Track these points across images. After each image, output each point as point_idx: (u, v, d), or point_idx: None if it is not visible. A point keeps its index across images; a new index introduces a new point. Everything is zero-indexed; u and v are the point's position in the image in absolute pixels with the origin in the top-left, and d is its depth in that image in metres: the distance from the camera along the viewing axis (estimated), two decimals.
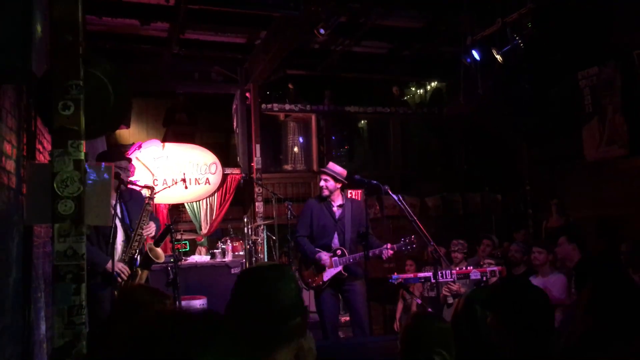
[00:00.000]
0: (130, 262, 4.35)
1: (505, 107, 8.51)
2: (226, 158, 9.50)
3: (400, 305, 7.31)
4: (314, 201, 5.58)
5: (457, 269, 5.32)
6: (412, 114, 10.43)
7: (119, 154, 4.72)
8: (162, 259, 4.66)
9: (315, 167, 9.50)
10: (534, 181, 9.28)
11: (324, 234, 5.35)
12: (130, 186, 4.64)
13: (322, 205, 5.44)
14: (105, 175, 3.03)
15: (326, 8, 6.28)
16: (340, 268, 5.20)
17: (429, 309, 5.35)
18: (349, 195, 7.86)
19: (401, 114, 10.23)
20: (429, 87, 11.41)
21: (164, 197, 7.65)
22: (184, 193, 7.91)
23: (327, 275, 5.23)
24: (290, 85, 9.72)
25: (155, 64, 8.59)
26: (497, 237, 7.41)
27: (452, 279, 5.20)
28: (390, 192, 4.89)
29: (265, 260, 8.28)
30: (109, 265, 4.12)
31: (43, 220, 2.99)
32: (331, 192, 5.41)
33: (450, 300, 5.81)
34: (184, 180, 7.36)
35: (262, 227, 8.29)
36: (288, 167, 9.74)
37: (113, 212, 4.18)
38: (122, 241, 4.43)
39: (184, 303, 5.65)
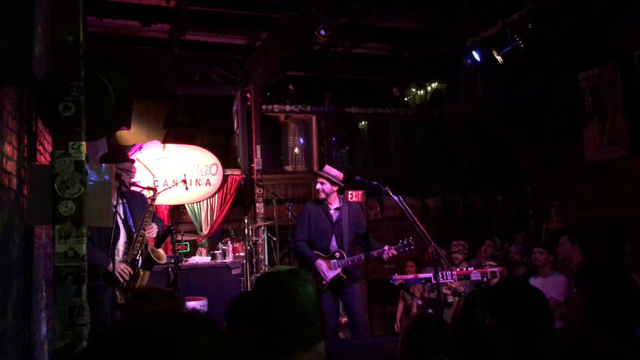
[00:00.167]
0: (132, 263, 4.35)
1: (506, 108, 8.52)
2: (227, 159, 9.51)
3: (400, 306, 7.31)
4: (311, 205, 5.59)
5: (458, 269, 5.31)
6: (413, 115, 10.43)
7: (122, 155, 4.72)
8: (164, 260, 4.66)
9: (315, 168, 9.50)
10: (535, 182, 9.28)
11: (322, 237, 5.36)
12: (132, 187, 4.64)
13: (320, 209, 5.44)
14: (106, 177, 3.04)
15: (327, 9, 6.28)
16: (339, 270, 5.21)
17: (430, 310, 5.35)
18: (350, 197, 7.85)
19: (401, 115, 10.23)
20: (429, 88, 11.42)
21: (165, 198, 7.64)
22: (185, 194, 7.91)
23: (327, 278, 5.23)
24: (290, 87, 9.73)
25: (156, 65, 8.59)
26: (498, 238, 7.41)
27: (452, 280, 5.20)
28: (391, 193, 4.89)
29: (266, 261, 8.29)
30: (111, 266, 4.12)
31: (44, 221, 2.99)
32: (328, 195, 5.42)
33: (450, 299, 5.81)
34: (184, 181, 7.35)
35: (262, 228, 8.29)
36: (288, 168, 9.74)
37: (114, 213, 4.18)
38: (125, 242, 4.44)
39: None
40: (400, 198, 4.87)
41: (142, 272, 4.39)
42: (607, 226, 7.52)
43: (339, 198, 5.54)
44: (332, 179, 5.38)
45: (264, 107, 9.19)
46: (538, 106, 8.47)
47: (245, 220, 7.76)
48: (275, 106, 9.42)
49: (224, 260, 7.34)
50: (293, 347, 1.58)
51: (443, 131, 10.49)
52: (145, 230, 4.41)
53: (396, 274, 5.25)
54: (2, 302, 2.84)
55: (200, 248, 8.36)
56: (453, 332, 2.18)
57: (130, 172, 4.53)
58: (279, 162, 9.88)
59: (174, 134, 9.51)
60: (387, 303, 8.28)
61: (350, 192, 8.03)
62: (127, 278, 4.26)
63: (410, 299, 6.91)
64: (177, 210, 8.69)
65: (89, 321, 3.94)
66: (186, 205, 8.47)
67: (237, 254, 7.51)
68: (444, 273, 5.05)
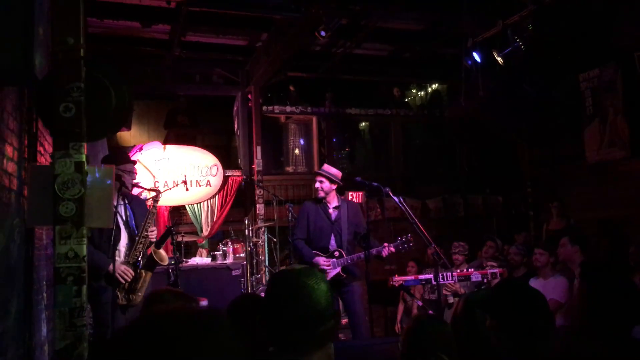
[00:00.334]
0: (134, 264, 4.35)
1: (506, 108, 8.51)
2: (227, 160, 9.51)
3: (401, 307, 7.30)
4: (310, 204, 5.58)
5: (458, 271, 5.31)
6: (413, 116, 10.44)
7: (124, 156, 4.73)
8: (166, 262, 4.66)
9: (316, 169, 9.49)
10: (535, 183, 9.28)
11: (321, 236, 5.34)
12: (135, 189, 4.65)
13: (318, 208, 5.44)
14: (107, 178, 3.04)
15: (327, 10, 6.29)
16: (338, 269, 5.20)
17: (430, 311, 5.35)
18: (350, 198, 7.87)
19: (402, 115, 10.23)
20: (429, 89, 11.43)
21: (165, 199, 7.63)
22: (185, 195, 7.91)
23: (326, 277, 5.23)
24: (291, 88, 9.74)
25: (157, 66, 8.60)
26: (499, 239, 7.41)
27: (453, 281, 5.19)
28: (392, 194, 4.89)
29: (266, 262, 8.29)
30: (111, 267, 4.12)
31: (44, 222, 2.99)
32: (326, 194, 5.40)
33: (450, 300, 5.80)
34: (185, 182, 7.36)
35: (263, 229, 8.29)
36: (289, 169, 9.75)
37: (115, 214, 4.18)
38: (127, 243, 4.43)
39: None
40: (401, 199, 4.87)
41: (144, 273, 4.39)
42: (608, 227, 7.52)
43: (338, 197, 5.53)
44: (330, 177, 5.38)
45: (264, 108, 9.20)
46: (538, 107, 8.46)
47: (246, 221, 7.76)
48: (276, 107, 9.43)
49: (225, 261, 7.34)
50: (309, 345, 1.58)
51: (443, 132, 10.49)
52: (147, 232, 4.41)
53: (397, 275, 5.25)
54: (3, 303, 2.84)
55: (200, 249, 8.36)
56: (453, 332, 2.18)
57: (132, 173, 4.53)
58: (280, 163, 9.89)
59: (174, 134, 9.51)
60: (388, 304, 8.28)
61: (350, 193, 8.06)
62: (128, 279, 4.26)
63: (410, 300, 6.91)
64: (178, 211, 8.69)
65: (90, 322, 3.95)
66: (187, 206, 8.47)
67: (237, 255, 7.51)
68: (445, 274, 5.05)
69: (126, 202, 4.52)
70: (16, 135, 3.18)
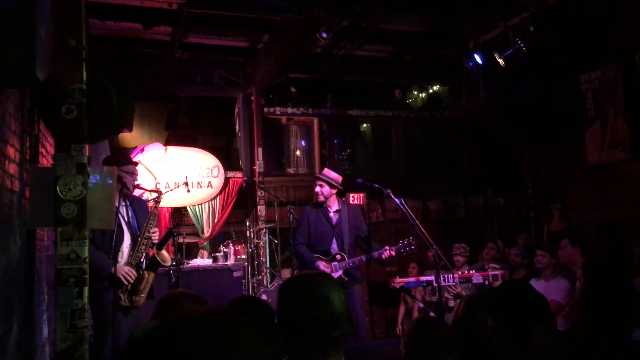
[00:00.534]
0: (136, 265, 4.35)
1: (507, 110, 8.51)
2: (228, 161, 9.51)
3: (402, 309, 7.30)
4: (310, 208, 5.59)
5: (459, 272, 5.31)
6: (414, 117, 10.43)
7: (126, 158, 4.73)
8: (169, 262, 4.66)
9: (317, 171, 9.49)
10: (537, 184, 9.28)
11: (322, 240, 5.35)
12: (137, 190, 4.65)
13: (319, 212, 5.44)
14: (108, 179, 3.04)
15: (328, 12, 6.29)
16: (340, 272, 5.20)
17: (431, 313, 5.35)
18: (351, 200, 7.85)
19: (403, 117, 10.23)
20: (430, 91, 11.43)
21: (166, 201, 7.64)
22: (186, 196, 7.92)
23: None
24: (292, 89, 9.74)
25: (158, 68, 8.61)
26: (501, 241, 7.40)
27: (454, 283, 5.19)
28: (392, 196, 4.90)
29: (267, 264, 8.29)
30: (114, 269, 4.12)
31: (46, 223, 2.99)
32: (326, 198, 5.42)
33: (451, 303, 5.80)
34: (186, 183, 7.37)
35: (264, 231, 8.29)
36: (290, 170, 9.74)
37: (117, 215, 4.18)
38: (129, 244, 4.43)
39: None
40: (402, 200, 4.87)
41: (146, 274, 4.38)
42: (609, 228, 7.52)
43: (338, 200, 5.53)
44: (330, 181, 5.38)
45: (265, 109, 9.20)
46: (539, 108, 8.46)
47: (247, 223, 7.76)
48: (277, 108, 9.43)
49: (226, 263, 7.34)
50: (326, 349, 1.59)
51: (444, 133, 10.49)
52: (150, 233, 4.41)
53: (398, 277, 5.25)
54: (4, 304, 2.84)
55: (201, 250, 8.36)
56: (455, 334, 2.18)
57: (134, 174, 4.54)
58: (281, 165, 9.88)
59: (175, 136, 9.51)
60: (389, 306, 8.28)
61: (351, 194, 8.02)
62: (131, 280, 4.26)
63: (411, 302, 6.91)
64: (179, 213, 8.69)
65: (90, 324, 3.95)
66: (188, 208, 8.47)
67: (238, 257, 7.51)
68: (446, 276, 5.05)
69: (127, 203, 4.52)
70: (18, 136, 3.19)
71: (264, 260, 8.25)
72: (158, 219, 7.81)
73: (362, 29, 7.63)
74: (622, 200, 7.29)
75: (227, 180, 8.55)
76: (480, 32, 6.84)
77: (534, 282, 5.32)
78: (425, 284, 5.49)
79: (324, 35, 6.50)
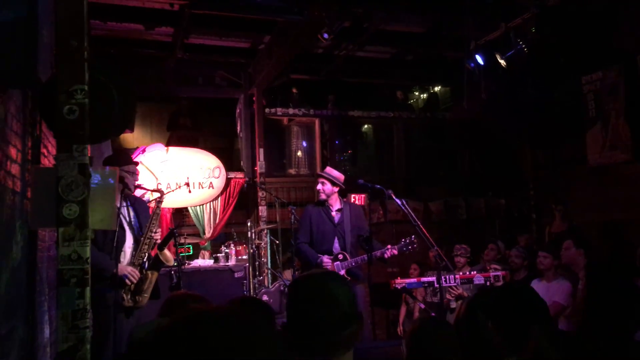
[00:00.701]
0: (140, 265, 4.35)
1: (509, 111, 8.51)
2: (230, 162, 9.52)
3: (403, 310, 7.30)
4: (312, 207, 5.56)
5: (461, 273, 5.31)
6: (416, 119, 10.43)
7: (126, 158, 4.73)
8: (172, 262, 4.66)
9: (318, 172, 9.49)
10: (538, 185, 9.27)
11: (324, 239, 5.33)
12: (138, 190, 4.65)
13: (321, 211, 5.41)
14: (110, 180, 3.04)
15: (329, 13, 6.29)
16: (342, 272, 5.19)
17: (432, 314, 5.34)
18: (352, 200, 7.86)
19: (405, 118, 10.23)
20: (432, 92, 11.43)
21: (168, 201, 7.63)
22: (188, 197, 7.92)
23: None
24: (294, 90, 9.75)
25: (160, 69, 8.62)
26: (502, 242, 7.39)
27: (455, 284, 5.19)
28: (394, 197, 4.89)
29: (269, 264, 8.29)
30: (116, 269, 4.12)
31: (47, 224, 3.00)
32: (328, 196, 5.39)
33: (453, 304, 5.80)
34: (187, 184, 7.37)
35: (265, 231, 8.30)
36: (291, 171, 9.75)
37: (119, 215, 4.18)
38: (132, 245, 4.43)
39: None
40: (403, 201, 4.87)
41: (150, 274, 4.38)
42: (609, 229, 7.51)
43: (340, 200, 5.51)
44: (332, 179, 5.36)
45: (267, 110, 9.21)
46: (540, 109, 8.46)
47: (248, 224, 7.76)
48: (279, 109, 9.44)
49: (227, 263, 7.35)
50: (337, 348, 1.59)
51: (446, 134, 10.49)
52: (152, 232, 4.41)
53: (399, 278, 5.24)
54: (6, 304, 2.85)
55: (203, 251, 8.36)
56: (457, 335, 2.18)
57: (134, 174, 4.54)
58: (282, 166, 9.89)
59: (177, 137, 9.52)
60: (390, 306, 8.28)
61: (353, 195, 8.05)
62: (135, 281, 4.26)
63: (412, 303, 6.91)
64: (180, 213, 8.69)
65: (91, 323, 3.95)
66: (189, 208, 8.48)
67: (239, 257, 7.52)
68: (447, 277, 5.05)
69: (128, 203, 4.52)
70: (20, 137, 3.19)
71: (265, 261, 8.26)
72: (160, 219, 7.84)
73: (364, 30, 7.62)
74: (623, 201, 7.29)
75: (228, 180, 8.55)
76: (482, 33, 6.84)
77: (535, 283, 5.30)
78: (426, 285, 5.49)
79: (325, 36, 6.51)
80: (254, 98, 8.96)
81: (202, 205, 8.43)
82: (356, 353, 1.67)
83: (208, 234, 8.48)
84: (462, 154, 10.52)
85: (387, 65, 9.32)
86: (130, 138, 9.77)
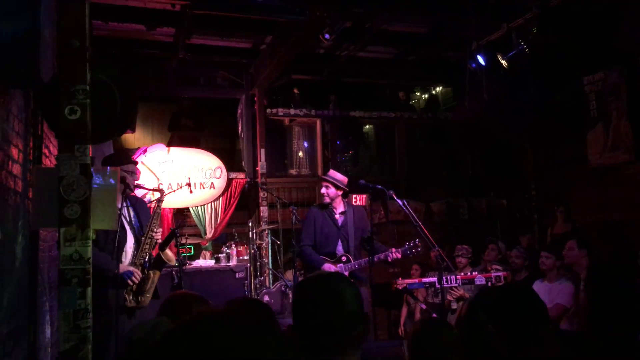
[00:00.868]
0: (141, 265, 4.35)
1: (511, 112, 8.50)
2: (231, 162, 9.52)
3: (404, 310, 7.29)
4: (316, 209, 5.54)
5: (462, 274, 5.30)
6: (417, 119, 10.43)
7: (125, 157, 4.72)
8: (174, 262, 4.66)
9: (320, 172, 9.50)
10: (540, 186, 9.26)
11: (328, 241, 5.30)
12: (139, 190, 4.65)
13: (325, 213, 5.39)
14: (112, 180, 3.05)
15: (331, 13, 6.29)
16: (346, 274, 5.17)
17: (434, 314, 5.34)
18: (354, 201, 7.87)
19: (406, 118, 10.22)
20: (434, 92, 11.43)
21: (169, 202, 7.65)
22: (189, 197, 7.93)
23: None
24: (295, 90, 9.75)
25: (161, 69, 8.63)
26: (503, 242, 7.39)
27: (456, 284, 5.18)
28: (395, 197, 4.88)
29: (270, 265, 8.29)
30: (117, 270, 4.11)
31: (49, 224, 3.00)
32: (332, 200, 5.38)
33: (454, 305, 5.79)
34: (188, 184, 7.36)
35: (266, 232, 8.30)
36: (293, 171, 9.75)
37: (120, 216, 4.17)
38: (133, 244, 4.43)
39: None
40: (405, 202, 4.87)
41: (152, 274, 4.38)
42: (611, 230, 7.51)
43: (344, 202, 5.50)
44: (336, 183, 5.35)
45: (268, 110, 9.21)
46: (542, 110, 8.46)
47: (250, 224, 7.76)
48: (280, 110, 9.44)
49: (228, 264, 7.35)
50: (344, 349, 1.59)
51: (447, 135, 10.48)
52: (153, 232, 4.41)
53: (400, 278, 5.24)
54: (8, 304, 2.85)
55: (204, 251, 8.37)
56: (459, 335, 2.18)
57: (134, 174, 4.53)
58: (283, 166, 9.89)
59: (178, 137, 9.53)
60: (391, 307, 8.27)
61: (354, 195, 8.06)
62: (136, 281, 4.26)
63: (414, 303, 6.90)
64: (181, 214, 8.70)
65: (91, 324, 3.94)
66: (190, 209, 8.48)
67: (241, 258, 7.52)
68: (448, 277, 5.04)
69: (129, 203, 4.51)
70: (22, 137, 3.19)
71: (266, 261, 8.26)
72: (161, 220, 7.84)
73: (365, 30, 7.63)
74: (624, 202, 7.28)
75: (229, 181, 8.56)
76: (483, 33, 6.84)
77: (537, 284, 5.30)
78: (427, 286, 5.48)
79: (327, 36, 6.51)
80: (255, 98, 8.97)
81: (204, 205, 8.43)
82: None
83: (209, 234, 8.49)
84: (463, 155, 10.51)
85: (388, 65, 9.32)
86: (131, 138, 9.79)
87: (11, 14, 2.76)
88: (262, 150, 8.77)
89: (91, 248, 2.78)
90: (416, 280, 5.43)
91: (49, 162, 3.89)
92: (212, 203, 8.46)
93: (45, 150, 3.82)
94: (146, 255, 4.39)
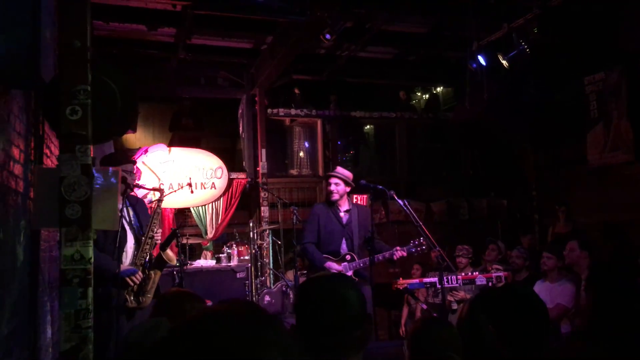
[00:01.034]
0: (142, 265, 4.34)
1: (511, 112, 8.51)
2: (232, 163, 9.53)
3: (405, 311, 7.29)
4: (320, 207, 5.47)
5: (463, 274, 5.30)
6: (418, 119, 10.43)
7: (124, 157, 4.71)
8: (174, 262, 4.65)
9: (320, 172, 9.50)
10: (540, 186, 9.26)
11: (332, 240, 5.25)
12: (139, 189, 4.64)
13: (329, 211, 5.33)
14: (113, 180, 3.05)
15: (332, 14, 6.29)
16: (350, 273, 5.15)
17: (434, 314, 5.34)
18: (354, 200, 7.86)
19: (407, 118, 10.23)
20: (434, 92, 11.43)
21: (170, 202, 7.67)
22: (190, 197, 7.93)
23: None
24: (296, 90, 9.75)
25: (162, 69, 8.63)
26: (503, 242, 7.39)
27: (457, 284, 5.18)
28: (396, 197, 4.88)
29: (271, 265, 8.30)
30: (119, 270, 4.11)
31: (50, 224, 3.01)
32: (341, 197, 5.34)
33: (454, 306, 5.79)
34: (189, 184, 7.39)
35: (267, 232, 8.30)
36: (294, 171, 9.75)
37: (120, 216, 4.17)
38: (133, 245, 4.43)
39: None
40: (405, 202, 4.86)
41: (153, 274, 4.38)
42: (612, 230, 7.50)
43: (349, 200, 5.46)
44: (346, 179, 5.32)
45: (269, 110, 9.22)
46: (543, 110, 8.46)
47: (250, 224, 7.77)
48: (281, 110, 9.44)
49: (229, 264, 7.36)
50: (347, 350, 1.59)
51: (448, 135, 10.48)
52: (154, 232, 4.41)
53: (401, 278, 5.23)
54: (9, 304, 2.85)
55: (205, 251, 8.37)
56: (459, 335, 2.18)
57: (133, 173, 4.52)
58: (284, 166, 9.90)
59: (179, 137, 9.54)
60: (392, 307, 8.28)
61: (355, 196, 8.05)
62: (137, 282, 4.25)
63: (414, 303, 6.90)
64: (182, 214, 8.71)
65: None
66: (191, 209, 8.49)
67: (242, 258, 7.52)
68: (449, 277, 5.04)
69: (128, 203, 4.51)
70: (23, 137, 3.20)
71: (267, 261, 8.26)
72: (162, 220, 7.85)
73: (366, 31, 7.63)
74: (625, 202, 7.28)
75: (230, 181, 8.56)
76: (484, 34, 6.84)
77: (539, 284, 5.29)
78: (428, 286, 5.48)
79: (328, 36, 6.52)
80: (256, 98, 8.97)
81: (205, 205, 8.44)
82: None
83: (210, 235, 8.49)
84: (464, 155, 10.51)
85: (389, 65, 9.33)
86: (132, 138, 9.80)
87: (12, 14, 2.77)
88: (263, 151, 8.78)
89: (92, 248, 2.78)
90: (417, 281, 5.43)
91: (50, 162, 3.89)
92: (213, 203, 8.47)
93: (47, 151, 3.83)
94: (146, 255, 4.38)
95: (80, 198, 2.75)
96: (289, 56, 7.44)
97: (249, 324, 0.87)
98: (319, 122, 9.71)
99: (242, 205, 8.92)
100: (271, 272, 8.16)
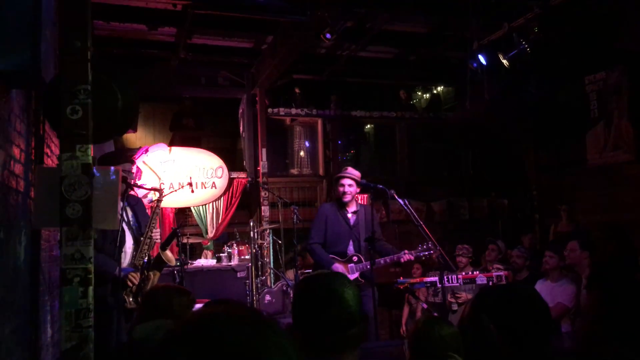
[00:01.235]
0: (140, 266, 4.34)
1: (512, 111, 8.50)
2: (232, 162, 9.53)
3: (406, 310, 7.29)
4: (328, 207, 5.43)
5: (463, 273, 5.30)
6: (419, 119, 10.43)
7: (122, 156, 4.70)
8: (173, 262, 4.65)
9: (321, 172, 9.51)
10: (541, 186, 9.26)
11: (339, 240, 5.21)
12: (138, 189, 4.63)
13: (338, 212, 5.28)
14: (113, 179, 3.05)
15: (332, 13, 6.29)
16: (357, 274, 5.12)
17: (435, 314, 5.34)
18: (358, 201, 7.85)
19: (407, 118, 10.22)
20: (435, 92, 11.42)
21: (171, 201, 7.67)
22: (191, 197, 7.93)
23: None
24: (296, 90, 9.75)
25: (163, 69, 8.63)
26: (504, 242, 7.39)
27: (458, 284, 5.17)
28: (397, 197, 4.86)
29: (271, 264, 8.30)
30: (118, 270, 4.11)
31: (51, 223, 3.00)
32: (353, 197, 5.31)
33: (455, 307, 5.79)
34: (190, 184, 7.38)
35: (268, 231, 8.30)
36: (294, 171, 9.76)
37: (120, 216, 4.17)
38: (132, 245, 4.43)
39: None
40: (406, 201, 4.85)
41: (152, 275, 4.38)
42: (613, 230, 7.49)
43: (357, 201, 5.44)
44: (357, 180, 5.31)
45: (269, 110, 9.22)
46: (544, 109, 8.46)
47: (251, 223, 7.77)
48: (281, 109, 9.44)
49: (230, 263, 7.35)
50: (341, 348, 1.60)
51: (449, 135, 10.48)
52: (152, 232, 4.41)
53: (402, 278, 5.22)
54: (9, 304, 2.85)
55: (205, 251, 8.38)
56: (462, 335, 2.18)
57: (131, 173, 4.51)
58: (285, 165, 9.90)
59: (180, 137, 9.54)
60: (392, 307, 8.27)
61: (355, 195, 8.04)
62: (136, 282, 4.25)
63: (415, 303, 6.90)
64: (183, 213, 8.71)
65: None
66: (192, 208, 8.49)
67: (242, 257, 7.52)
68: (450, 277, 5.03)
69: (127, 203, 4.50)
70: (23, 137, 3.20)
71: (267, 260, 8.26)
72: (162, 219, 7.85)
73: (367, 30, 7.63)
74: (626, 202, 7.28)
75: (231, 180, 8.56)
76: (485, 33, 6.84)
77: (540, 283, 5.29)
78: (429, 285, 5.47)
79: (328, 36, 6.51)
80: (256, 98, 8.98)
81: (205, 205, 8.44)
82: (359, 353, 1.68)
83: (211, 234, 8.49)
84: (465, 154, 10.51)
85: (390, 65, 9.32)
86: (133, 138, 9.80)
87: (12, 13, 2.77)
88: (264, 150, 8.78)
89: (92, 248, 2.78)
90: (417, 280, 5.42)
91: (50, 161, 3.89)
92: (214, 203, 8.47)
93: (47, 150, 3.83)
94: (145, 255, 4.38)
95: (81, 197, 2.75)
96: (289, 56, 7.44)
97: (251, 325, 0.87)
98: (320, 122, 9.71)
99: (243, 205, 8.92)
100: (272, 271, 8.16)
